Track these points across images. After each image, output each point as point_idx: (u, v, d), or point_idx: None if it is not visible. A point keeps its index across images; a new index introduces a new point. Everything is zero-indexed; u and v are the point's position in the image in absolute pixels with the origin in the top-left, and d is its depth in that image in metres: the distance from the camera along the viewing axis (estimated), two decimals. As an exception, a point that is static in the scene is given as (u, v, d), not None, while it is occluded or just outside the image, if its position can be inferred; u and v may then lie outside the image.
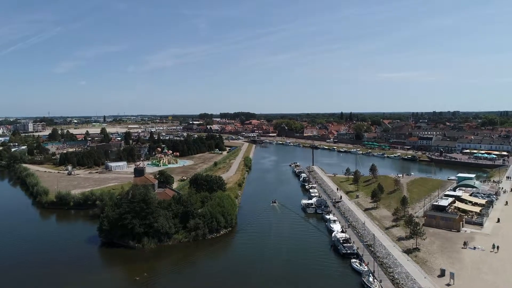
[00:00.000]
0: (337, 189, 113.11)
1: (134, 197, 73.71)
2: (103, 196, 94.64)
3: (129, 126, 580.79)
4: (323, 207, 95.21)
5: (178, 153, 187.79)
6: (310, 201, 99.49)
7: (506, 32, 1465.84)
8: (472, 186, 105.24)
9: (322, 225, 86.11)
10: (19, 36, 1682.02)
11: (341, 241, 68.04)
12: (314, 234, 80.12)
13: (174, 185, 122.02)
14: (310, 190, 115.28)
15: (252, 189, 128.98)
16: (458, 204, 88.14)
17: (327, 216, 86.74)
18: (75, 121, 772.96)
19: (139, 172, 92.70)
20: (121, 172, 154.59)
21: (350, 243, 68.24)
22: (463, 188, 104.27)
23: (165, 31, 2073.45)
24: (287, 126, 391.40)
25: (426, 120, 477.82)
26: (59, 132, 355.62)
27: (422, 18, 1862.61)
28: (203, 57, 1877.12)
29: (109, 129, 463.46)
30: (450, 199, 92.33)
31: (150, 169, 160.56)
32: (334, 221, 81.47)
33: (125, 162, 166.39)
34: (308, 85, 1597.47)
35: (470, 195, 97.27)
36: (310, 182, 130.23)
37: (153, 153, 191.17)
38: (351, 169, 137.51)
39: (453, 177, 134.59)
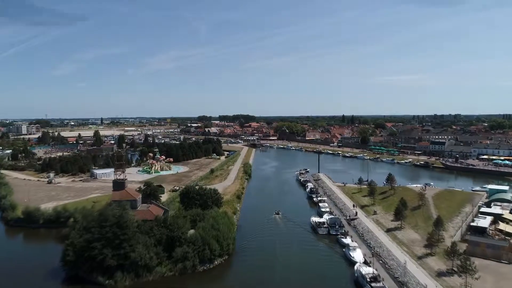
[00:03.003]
0: (354, 205, 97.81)
1: (106, 220, 58.76)
2: (76, 213, 79.49)
3: (125, 128, 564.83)
4: (337, 227, 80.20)
5: (171, 159, 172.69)
6: (321, 220, 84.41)
7: (506, 35, 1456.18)
8: (509, 201, 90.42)
9: (338, 249, 71.26)
10: (20, 38, 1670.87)
11: (368, 279, 53.06)
12: (329, 264, 65.01)
13: (165, 196, 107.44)
14: (320, 204, 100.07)
15: (252, 201, 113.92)
16: (501, 225, 73.41)
17: (344, 240, 71.82)
18: (72, 123, 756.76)
19: (118, 185, 77.67)
20: (107, 180, 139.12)
21: (379, 281, 53.21)
22: (499, 203, 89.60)
23: (165, 33, 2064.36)
24: (288, 129, 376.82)
25: (430, 124, 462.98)
26: (51, 135, 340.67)
27: (422, 21, 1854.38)
28: (203, 59, 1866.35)
29: (105, 132, 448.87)
30: (489, 218, 77.84)
31: (140, 176, 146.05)
32: (354, 248, 66.21)
33: (112, 169, 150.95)
34: (308, 88, 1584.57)
35: (511, 212, 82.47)
36: (318, 193, 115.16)
37: (145, 159, 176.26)
38: (360, 177, 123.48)
39: (478, 188, 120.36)
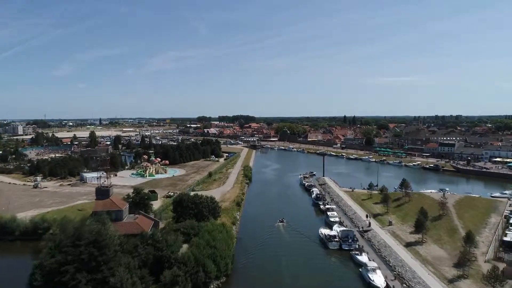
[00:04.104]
0: (367, 216, 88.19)
1: (81, 238, 49.46)
2: (55, 225, 70.17)
3: (123, 129, 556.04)
4: (350, 241, 70.86)
5: (167, 162, 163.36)
6: (331, 232, 74.90)
7: (506, 36, 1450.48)
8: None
9: (353, 268, 61.97)
10: (20, 38, 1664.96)
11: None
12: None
13: (158, 203, 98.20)
14: (328, 212, 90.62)
15: (253, 208, 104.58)
16: (539, 240, 64.18)
17: (360, 258, 62.45)
18: (70, 124, 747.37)
19: (102, 193, 68.39)
20: (97, 184, 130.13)
21: (409, 315, 43.99)
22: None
23: (165, 34, 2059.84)
24: (289, 130, 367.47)
25: (433, 124, 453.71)
26: (45, 135, 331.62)
27: (422, 22, 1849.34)
28: (202, 60, 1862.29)
29: (103, 133, 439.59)
30: (522, 231, 68.49)
31: (133, 180, 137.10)
32: (373, 269, 56.55)
33: (104, 173, 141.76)
34: (308, 88, 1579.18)
35: (545, 224, 73.18)
36: (325, 200, 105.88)
37: (139, 161, 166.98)
38: (367, 181, 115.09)
39: (498, 194, 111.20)
